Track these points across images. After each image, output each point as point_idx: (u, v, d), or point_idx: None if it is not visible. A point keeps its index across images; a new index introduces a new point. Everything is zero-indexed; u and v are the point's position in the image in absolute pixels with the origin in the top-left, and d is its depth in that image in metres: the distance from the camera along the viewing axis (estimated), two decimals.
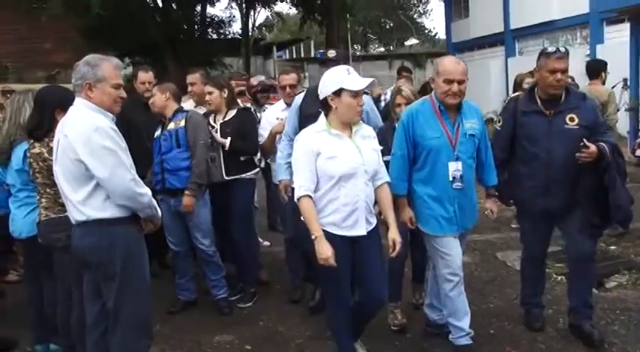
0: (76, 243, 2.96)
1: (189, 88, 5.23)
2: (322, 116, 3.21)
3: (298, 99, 4.32)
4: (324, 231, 3.08)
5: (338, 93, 3.08)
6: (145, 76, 5.18)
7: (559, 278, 4.93)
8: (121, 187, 2.81)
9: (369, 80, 3.19)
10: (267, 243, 6.14)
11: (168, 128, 4.40)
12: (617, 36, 14.15)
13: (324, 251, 3.01)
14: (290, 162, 3.90)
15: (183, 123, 4.37)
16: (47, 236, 3.34)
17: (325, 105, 3.15)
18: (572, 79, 9.03)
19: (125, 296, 2.86)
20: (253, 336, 4.06)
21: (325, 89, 3.13)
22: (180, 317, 4.43)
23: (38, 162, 3.33)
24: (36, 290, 3.83)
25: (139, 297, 2.92)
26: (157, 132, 4.47)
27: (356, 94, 3.08)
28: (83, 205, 2.84)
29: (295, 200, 3.14)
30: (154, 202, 3.04)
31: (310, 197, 3.08)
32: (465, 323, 3.58)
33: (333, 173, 3.09)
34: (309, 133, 3.20)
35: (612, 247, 5.73)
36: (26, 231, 3.59)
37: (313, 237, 3.03)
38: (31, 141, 3.40)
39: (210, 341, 4.02)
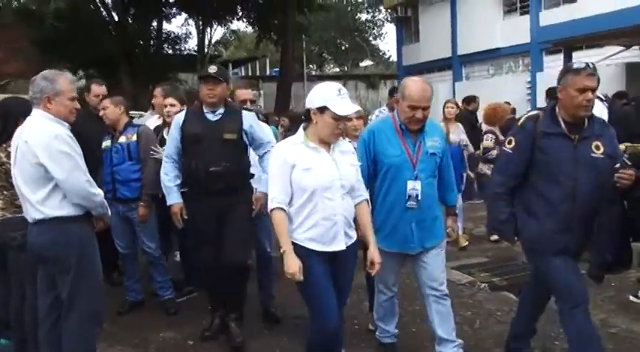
0: (32, 239, 3.22)
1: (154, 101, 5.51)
2: (301, 129, 3.13)
3: (179, 118, 4.16)
4: (301, 247, 3.00)
5: (322, 110, 2.98)
6: (99, 89, 5.40)
7: (482, 285, 5.38)
8: (76, 187, 3.10)
9: (356, 107, 3.12)
10: None
11: (120, 141, 4.63)
12: (555, 65, 15.04)
13: (292, 266, 2.90)
14: (179, 184, 4.14)
15: (134, 137, 4.62)
16: (4, 235, 3.58)
17: (307, 117, 3.08)
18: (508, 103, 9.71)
19: (79, 286, 3.13)
20: (196, 334, 4.30)
21: (311, 102, 3.04)
22: (128, 317, 4.67)
23: None
24: None
25: (92, 288, 3.19)
26: (107, 143, 4.68)
27: (338, 118, 2.99)
28: (42, 205, 3.11)
29: (269, 211, 3.06)
30: (105, 202, 3.36)
31: (283, 210, 3.01)
32: (390, 326, 3.89)
33: (307, 185, 3.00)
34: (285, 145, 3.13)
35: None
36: None
37: (282, 251, 2.94)
38: None
39: (156, 338, 4.27)
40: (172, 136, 4.17)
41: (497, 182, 3.47)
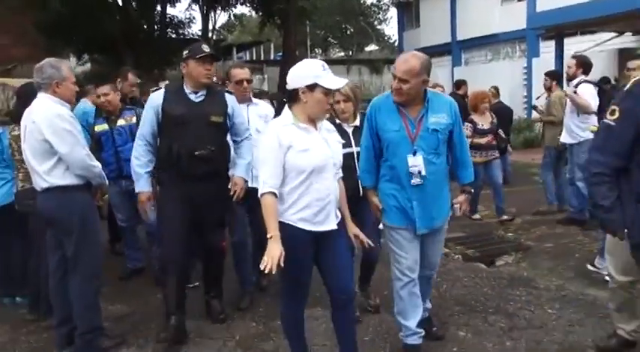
0: (40, 205, 3.69)
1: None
2: (286, 109, 3.06)
3: (157, 98, 3.94)
4: (291, 226, 2.97)
5: (311, 87, 2.93)
6: (134, 79, 5.84)
7: (456, 256, 5.85)
8: (77, 160, 3.56)
9: (345, 81, 3.13)
10: None
11: (120, 124, 5.04)
12: (551, 51, 15.34)
13: (275, 251, 2.81)
14: (150, 171, 3.96)
15: (134, 119, 4.98)
16: (21, 202, 4.08)
17: (293, 97, 3.00)
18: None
19: (82, 246, 3.60)
20: (190, 294, 4.49)
21: (297, 81, 2.96)
22: (129, 283, 5.17)
23: (17, 142, 4.04)
24: (3, 252, 4.55)
25: (93, 247, 3.66)
26: (104, 127, 5.04)
27: (328, 92, 2.98)
28: (48, 175, 3.58)
29: (259, 195, 2.95)
30: (103, 173, 3.82)
31: (275, 194, 2.94)
32: (411, 322, 3.51)
33: (305, 166, 2.95)
34: (276, 127, 3.02)
35: (509, 234, 6.71)
36: (0, 201, 4.31)
37: (269, 236, 2.86)
38: (13, 125, 4.13)
39: (154, 300, 4.61)
40: (148, 117, 3.95)
41: (597, 161, 2.97)
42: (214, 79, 4.83)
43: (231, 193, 4.04)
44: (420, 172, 3.32)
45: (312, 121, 3.05)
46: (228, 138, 4.15)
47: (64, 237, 3.66)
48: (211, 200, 3.95)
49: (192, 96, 3.93)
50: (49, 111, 3.55)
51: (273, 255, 2.78)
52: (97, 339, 3.70)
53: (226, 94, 4.11)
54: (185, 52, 3.94)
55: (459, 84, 10.43)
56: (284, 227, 2.92)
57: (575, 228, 6.58)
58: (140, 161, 3.93)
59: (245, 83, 4.44)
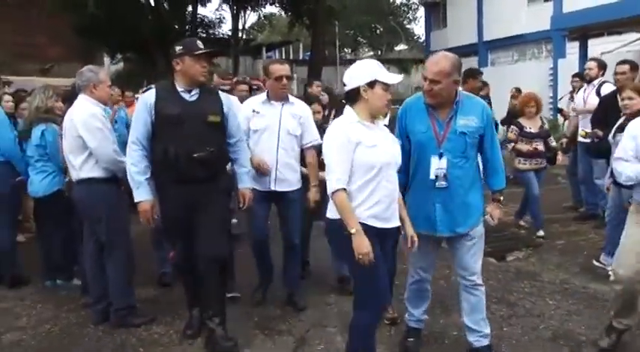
0: (75, 195, 4.15)
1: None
2: (348, 109, 3.07)
3: (149, 98, 3.67)
4: (362, 224, 2.93)
5: (371, 84, 2.99)
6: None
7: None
8: (105, 154, 3.97)
9: (400, 76, 3.13)
10: None
11: None
12: (577, 51, 15.32)
13: (365, 245, 2.84)
14: (149, 178, 3.68)
15: None
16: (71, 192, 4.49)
17: (354, 97, 3.03)
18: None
19: (112, 233, 4.01)
20: None
21: (357, 80, 3.01)
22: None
23: None
24: (45, 238, 5.01)
25: (122, 234, 4.07)
26: None
27: (387, 87, 3.03)
28: (80, 168, 4.01)
29: (330, 193, 2.95)
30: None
31: (345, 190, 2.93)
32: (416, 310, 3.71)
33: (374, 163, 2.97)
34: (344, 124, 3.02)
35: (522, 231, 6.92)
36: (42, 191, 4.75)
37: (353, 231, 2.86)
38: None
39: (179, 290, 4.66)
40: (141, 118, 3.64)
41: None
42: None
43: (240, 206, 3.95)
44: (445, 175, 3.31)
45: (372, 118, 3.08)
46: None
47: (95, 224, 4.08)
48: (209, 205, 3.70)
49: (185, 95, 3.67)
50: (84, 111, 4.00)
51: (365, 250, 2.84)
52: (130, 316, 4.11)
53: (220, 93, 3.90)
54: (179, 48, 3.66)
55: (466, 78, 10.56)
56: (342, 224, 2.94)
57: (588, 226, 6.79)
58: (138, 168, 3.63)
59: (284, 80, 4.22)
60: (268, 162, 4.22)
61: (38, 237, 5.26)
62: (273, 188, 4.25)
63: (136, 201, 3.67)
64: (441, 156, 3.31)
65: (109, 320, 4.13)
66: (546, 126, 6.75)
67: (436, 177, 3.33)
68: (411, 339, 3.74)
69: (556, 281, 5.02)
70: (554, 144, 6.74)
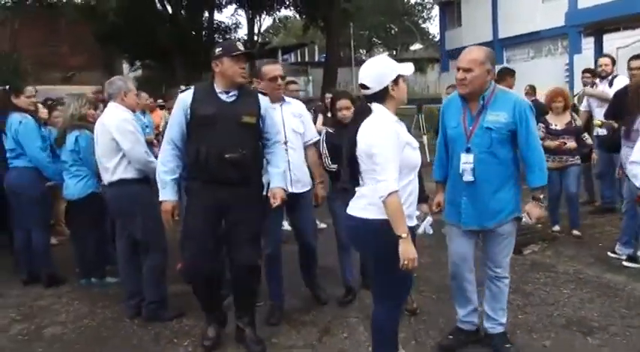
0: (107, 196, 4.39)
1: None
2: (381, 107, 2.98)
3: (186, 98, 3.67)
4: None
5: (396, 80, 2.96)
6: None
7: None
8: (137, 156, 4.21)
9: (411, 65, 3.08)
10: None
11: None
12: (591, 48, 15.39)
13: (412, 251, 2.80)
14: (176, 179, 3.70)
15: None
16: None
17: (383, 95, 2.96)
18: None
19: (148, 231, 4.23)
20: None
21: (384, 79, 2.95)
22: None
23: None
24: (79, 239, 5.28)
25: (157, 232, 4.26)
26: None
27: (406, 79, 3.04)
28: (114, 170, 4.25)
29: (385, 194, 2.79)
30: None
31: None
32: (460, 310, 3.75)
33: (417, 163, 2.99)
34: (391, 123, 2.93)
35: (539, 225, 7.02)
36: (77, 194, 5.00)
37: (404, 235, 2.78)
38: None
39: None
40: (176, 119, 3.68)
41: None
42: None
43: (271, 205, 3.82)
44: (472, 170, 3.37)
45: None
46: None
47: (129, 224, 4.32)
48: (242, 210, 3.65)
49: (223, 96, 3.66)
50: (116, 116, 4.26)
51: (412, 256, 2.79)
52: (161, 310, 4.35)
53: (260, 95, 3.87)
54: (218, 50, 3.67)
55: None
56: (387, 223, 2.85)
57: (605, 219, 6.89)
58: (166, 167, 3.67)
59: (279, 80, 4.19)
60: None
61: (72, 238, 5.53)
62: (290, 190, 4.10)
63: (160, 200, 3.69)
64: (468, 150, 3.39)
65: (141, 314, 4.36)
66: (578, 122, 6.42)
67: (463, 171, 3.41)
68: (450, 337, 3.80)
69: (570, 272, 5.16)
70: (589, 141, 6.48)
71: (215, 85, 3.68)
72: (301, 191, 4.28)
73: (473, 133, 3.38)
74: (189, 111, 3.62)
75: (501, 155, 3.38)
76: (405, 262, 2.78)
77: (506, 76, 6.60)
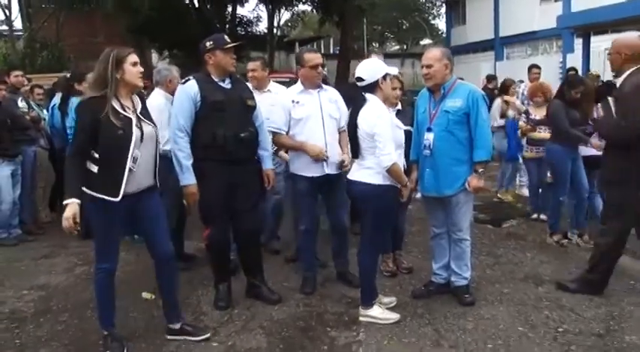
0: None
1: (250, 74, 5.18)
2: (374, 97, 3.63)
3: (192, 88, 3.80)
4: (392, 186, 3.66)
5: (385, 77, 3.64)
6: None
7: None
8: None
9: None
10: None
11: None
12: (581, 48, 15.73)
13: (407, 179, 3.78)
14: (192, 163, 3.81)
15: None
16: None
17: (374, 87, 3.62)
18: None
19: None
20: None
21: (375, 73, 3.62)
22: None
23: None
24: None
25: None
26: None
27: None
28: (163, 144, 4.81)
29: (389, 165, 3.51)
30: None
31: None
32: (434, 265, 4.22)
33: (401, 140, 3.77)
34: (383, 108, 3.61)
35: (519, 205, 7.59)
36: None
37: (409, 184, 3.84)
38: None
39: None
40: (185, 107, 3.80)
41: None
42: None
43: (266, 185, 4.14)
44: (429, 145, 3.89)
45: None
46: None
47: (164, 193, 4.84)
48: (249, 184, 3.98)
49: (222, 84, 3.90)
50: (158, 99, 4.81)
51: (408, 185, 3.80)
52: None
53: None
54: (209, 44, 3.86)
55: (489, 78, 11.25)
56: (388, 188, 3.64)
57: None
58: (184, 153, 3.79)
59: (320, 68, 4.26)
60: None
61: None
62: (327, 171, 4.21)
63: (183, 184, 3.79)
64: (429, 130, 3.91)
65: None
66: None
67: (424, 146, 3.93)
68: (423, 288, 4.25)
69: (537, 241, 5.75)
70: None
71: (212, 75, 3.90)
72: (336, 172, 4.27)
73: (435, 116, 3.90)
74: (199, 98, 3.78)
75: (458, 134, 3.84)
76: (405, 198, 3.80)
77: (532, 68, 8.91)
